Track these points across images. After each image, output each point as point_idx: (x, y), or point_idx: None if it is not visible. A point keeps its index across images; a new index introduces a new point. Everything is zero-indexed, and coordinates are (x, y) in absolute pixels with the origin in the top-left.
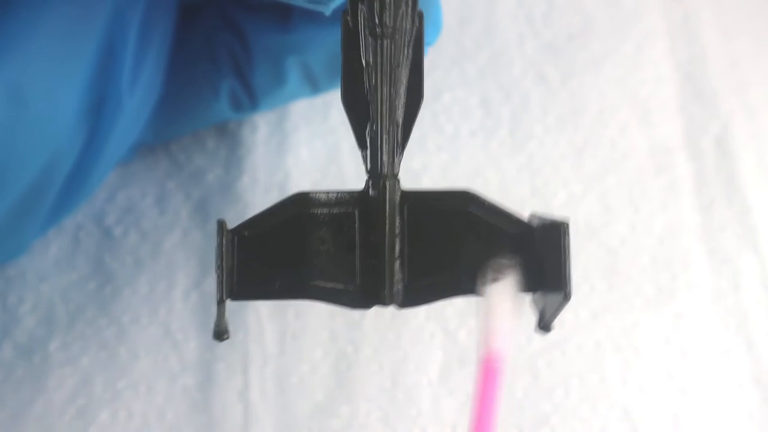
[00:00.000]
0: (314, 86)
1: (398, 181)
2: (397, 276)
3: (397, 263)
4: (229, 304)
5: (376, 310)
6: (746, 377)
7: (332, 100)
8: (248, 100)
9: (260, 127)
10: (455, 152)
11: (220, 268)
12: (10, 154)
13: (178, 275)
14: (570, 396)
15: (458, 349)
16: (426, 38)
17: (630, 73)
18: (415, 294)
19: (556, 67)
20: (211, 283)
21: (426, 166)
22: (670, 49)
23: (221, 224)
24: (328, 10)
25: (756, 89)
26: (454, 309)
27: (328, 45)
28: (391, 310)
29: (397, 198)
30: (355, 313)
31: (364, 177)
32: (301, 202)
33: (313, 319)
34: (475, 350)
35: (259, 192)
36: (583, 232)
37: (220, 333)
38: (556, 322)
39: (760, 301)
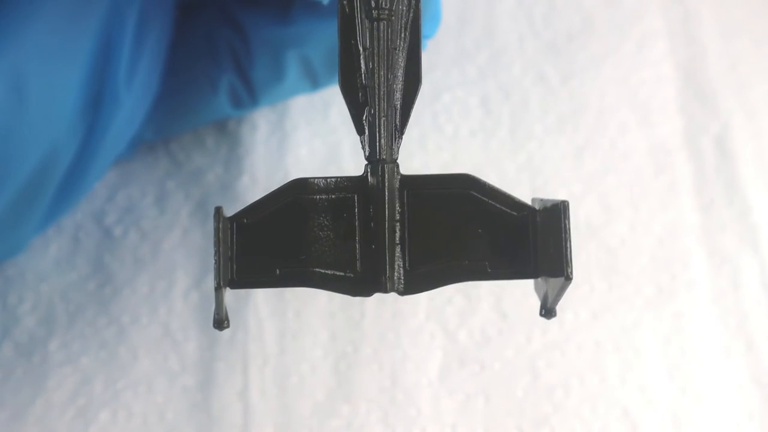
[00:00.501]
0: (314, 81)
1: (397, 166)
2: (398, 262)
3: (398, 249)
4: (229, 301)
5: (375, 310)
6: (746, 377)
7: (332, 99)
8: (247, 95)
9: (260, 127)
10: (455, 152)
11: (216, 253)
12: (10, 144)
13: (178, 275)
14: (570, 396)
15: (458, 349)
16: (425, 31)
17: (630, 73)
18: (417, 280)
19: (556, 67)
20: (211, 283)
21: (426, 165)
22: (670, 49)
23: (218, 210)
24: None
25: (756, 89)
26: (454, 309)
27: (327, 38)
28: (390, 310)
29: (397, 183)
30: (355, 313)
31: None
32: (299, 187)
33: (313, 319)
34: (474, 350)
35: (259, 191)
36: (583, 232)
37: (220, 321)
38: (557, 321)
39: (760, 301)
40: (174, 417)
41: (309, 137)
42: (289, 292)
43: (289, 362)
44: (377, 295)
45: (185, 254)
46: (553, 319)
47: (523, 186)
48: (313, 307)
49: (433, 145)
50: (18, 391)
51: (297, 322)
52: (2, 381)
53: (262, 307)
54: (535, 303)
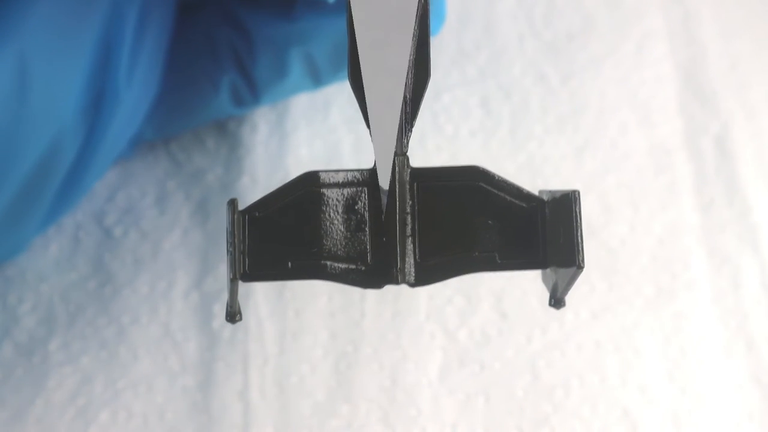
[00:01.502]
0: (316, 78)
1: (408, 159)
2: (409, 254)
3: (409, 241)
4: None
5: (375, 310)
6: (746, 377)
7: (333, 99)
8: (250, 93)
9: (260, 127)
10: (455, 152)
11: (232, 245)
12: (13, 140)
13: (178, 275)
14: (570, 396)
15: (458, 349)
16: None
17: (630, 73)
18: (428, 271)
19: (556, 67)
20: (211, 283)
21: (426, 165)
22: (670, 49)
23: (232, 203)
24: None
25: (756, 89)
26: (454, 309)
27: (331, 35)
28: (390, 310)
29: (407, 175)
30: (355, 313)
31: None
32: (311, 181)
33: (313, 319)
34: (474, 350)
35: (259, 192)
36: (584, 231)
37: (233, 314)
38: (557, 321)
39: (760, 301)
40: (174, 417)
41: (309, 137)
42: (289, 292)
43: (289, 362)
44: (378, 294)
45: (185, 254)
46: (553, 319)
47: (524, 186)
48: (313, 307)
49: (433, 145)
50: (18, 391)
51: (297, 322)
52: (2, 381)
53: (262, 306)
54: (536, 303)
